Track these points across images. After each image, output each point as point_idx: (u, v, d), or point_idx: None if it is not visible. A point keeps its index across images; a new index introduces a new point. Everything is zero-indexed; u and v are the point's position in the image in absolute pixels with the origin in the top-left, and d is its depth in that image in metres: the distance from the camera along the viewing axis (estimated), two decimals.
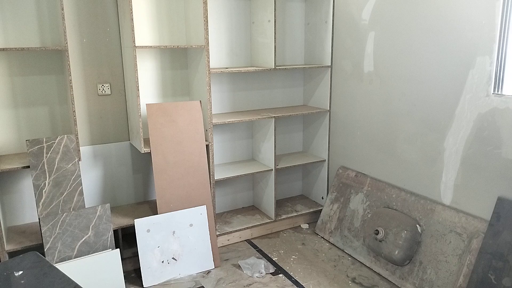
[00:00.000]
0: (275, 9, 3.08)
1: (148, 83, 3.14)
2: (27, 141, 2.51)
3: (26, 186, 2.87)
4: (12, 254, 2.64)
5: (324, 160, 3.66)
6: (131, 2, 2.63)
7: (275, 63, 3.17)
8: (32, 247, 2.62)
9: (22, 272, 1.42)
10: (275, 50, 3.14)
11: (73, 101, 2.60)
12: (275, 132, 3.30)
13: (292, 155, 3.82)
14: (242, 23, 3.40)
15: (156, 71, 3.16)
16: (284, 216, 3.55)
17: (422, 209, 2.72)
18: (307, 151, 3.90)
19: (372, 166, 3.20)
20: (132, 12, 2.64)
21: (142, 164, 3.26)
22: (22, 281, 1.37)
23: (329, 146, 3.63)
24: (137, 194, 3.29)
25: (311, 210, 3.69)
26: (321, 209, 3.65)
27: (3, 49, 2.39)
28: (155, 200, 3.28)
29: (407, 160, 2.89)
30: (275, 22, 3.10)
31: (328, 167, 3.67)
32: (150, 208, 3.16)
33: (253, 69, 3.16)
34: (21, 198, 2.88)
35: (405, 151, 2.90)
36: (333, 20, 3.35)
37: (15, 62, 2.70)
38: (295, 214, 3.60)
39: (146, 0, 3.00)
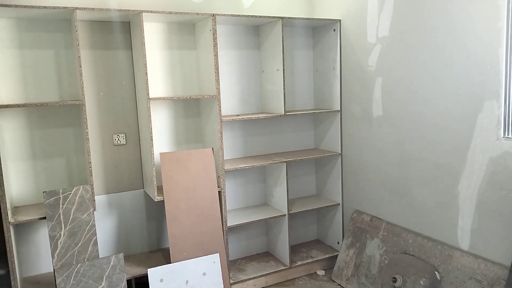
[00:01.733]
0: (283, 59, 3.18)
1: (162, 132, 3.22)
2: (44, 193, 2.58)
3: (42, 236, 2.91)
4: None
5: (338, 204, 3.63)
6: (146, 57, 2.76)
7: (285, 110, 3.23)
8: None
9: None
10: (284, 97, 3.22)
11: (89, 152, 2.68)
12: (287, 177, 3.31)
13: (305, 198, 3.80)
14: (252, 72, 3.51)
15: (170, 120, 3.25)
16: (299, 263, 3.48)
17: (440, 255, 2.65)
18: (321, 195, 3.88)
19: (387, 210, 3.15)
20: (146, 67, 2.76)
21: (156, 211, 3.28)
22: None
23: (342, 190, 3.61)
24: (150, 242, 3.29)
25: (327, 255, 3.61)
26: (337, 254, 3.57)
27: (24, 105, 2.52)
28: (169, 247, 3.27)
29: (422, 204, 2.85)
30: (283, 71, 3.19)
31: (342, 211, 3.63)
32: (164, 256, 3.15)
33: (263, 115, 3.23)
34: (37, 249, 2.91)
35: (419, 194, 2.86)
36: (340, 66, 3.44)
37: (35, 116, 2.83)
38: (311, 260, 3.53)
39: (160, 53, 3.15)
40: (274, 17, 3.15)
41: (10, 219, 2.54)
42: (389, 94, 3.02)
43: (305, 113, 3.40)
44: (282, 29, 3.15)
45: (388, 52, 2.98)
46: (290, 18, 3.22)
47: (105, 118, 3.06)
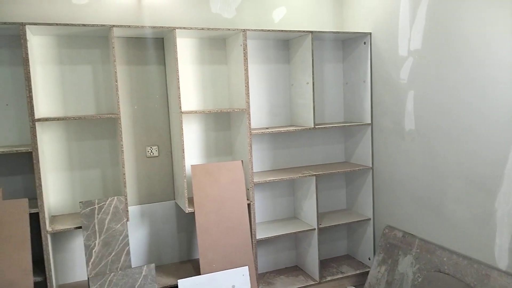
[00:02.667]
0: (313, 72, 3.19)
1: (193, 144, 3.28)
2: (80, 203, 2.68)
3: (77, 245, 3.01)
4: None
5: (370, 219, 3.56)
6: (178, 72, 2.84)
7: (314, 122, 3.23)
8: None
9: None
10: (314, 110, 3.22)
11: (124, 164, 2.77)
12: (316, 190, 3.29)
13: (335, 213, 3.75)
14: (281, 86, 3.54)
15: (201, 133, 3.31)
16: (329, 278, 3.43)
17: (476, 274, 2.55)
18: (351, 209, 3.82)
19: (420, 226, 3.07)
20: (179, 81, 2.84)
21: (186, 223, 3.33)
22: None
23: (374, 204, 3.55)
24: (181, 253, 3.33)
25: (358, 271, 3.54)
26: (368, 270, 3.50)
27: (63, 118, 2.63)
28: (198, 259, 3.30)
29: (457, 220, 2.75)
30: (313, 84, 3.20)
31: (374, 226, 3.56)
32: (193, 267, 3.18)
33: (293, 128, 3.24)
34: (72, 257, 3.01)
35: (454, 211, 2.77)
36: (371, 79, 3.41)
37: (73, 128, 2.95)
38: (341, 276, 3.47)
39: (192, 68, 3.23)
40: (304, 31, 3.17)
41: (48, 228, 2.64)
42: (422, 107, 2.96)
43: (335, 126, 3.39)
44: (312, 43, 3.17)
45: (421, 65, 2.93)
46: (320, 32, 3.24)
47: (139, 130, 3.15)
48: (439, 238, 2.90)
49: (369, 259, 3.62)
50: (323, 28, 3.66)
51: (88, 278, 2.61)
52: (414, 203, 3.12)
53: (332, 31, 3.31)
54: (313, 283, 3.37)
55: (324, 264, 3.69)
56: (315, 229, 3.34)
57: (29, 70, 2.48)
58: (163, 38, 3.14)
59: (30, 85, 2.49)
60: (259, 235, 3.20)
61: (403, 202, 3.22)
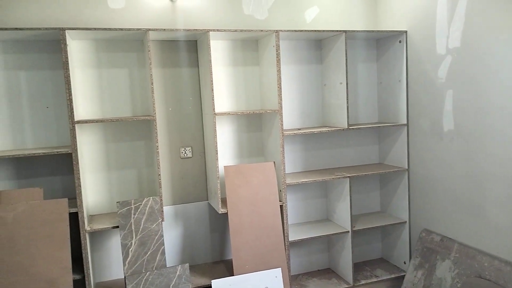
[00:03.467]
0: (346, 72, 3.14)
1: (225, 145, 3.30)
2: (118, 203, 2.74)
3: (113, 244, 3.08)
4: None
5: (405, 222, 3.47)
6: (212, 74, 2.86)
7: (348, 123, 3.18)
8: None
9: None
10: (347, 110, 3.17)
11: (159, 165, 2.81)
12: (350, 192, 3.23)
13: (369, 215, 3.68)
14: (314, 86, 3.50)
15: (233, 134, 3.32)
16: (363, 282, 3.36)
17: None
18: (386, 212, 3.74)
19: (459, 230, 2.96)
20: (212, 83, 2.86)
21: (219, 223, 3.35)
22: None
23: (409, 207, 3.45)
24: (214, 253, 3.36)
25: (393, 275, 3.46)
26: (404, 275, 3.41)
27: (101, 120, 2.70)
28: (231, 259, 3.31)
29: (499, 224, 2.64)
30: (347, 84, 3.15)
31: (409, 230, 3.47)
32: (226, 268, 3.20)
33: (326, 129, 3.20)
34: (109, 256, 3.08)
35: (496, 215, 2.66)
36: (407, 79, 3.33)
37: (110, 130, 3.02)
38: (375, 280, 3.40)
39: (224, 69, 3.25)
40: (337, 30, 3.13)
41: (86, 227, 2.72)
42: (461, 107, 2.86)
43: (369, 127, 3.32)
44: (345, 42, 3.12)
45: (460, 63, 2.83)
46: (354, 31, 3.18)
47: (173, 132, 3.19)
48: (480, 243, 2.79)
49: (405, 263, 3.53)
50: (355, 27, 3.59)
51: (124, 276, 2.66)
52: (452, 206, 3.01)
53: (366, 30, 3.25)
54: (347, 286, 3.31)
55: (358, 267, 3.63)
56: (348, 231, 3.29)
57: (69, 74, 2.56)
58: (196, 40, 3.17)
59: (70, 88, 2.57)
60: (292, 237, 3.18)
61: (441, 205, 3.12)
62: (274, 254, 3.00)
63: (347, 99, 3.16)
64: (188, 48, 3.18)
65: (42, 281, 2.51)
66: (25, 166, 2.85)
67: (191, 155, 3.26)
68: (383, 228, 3.76)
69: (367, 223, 3.43)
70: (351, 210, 3.26)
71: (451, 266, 2.92)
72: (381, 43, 3.59)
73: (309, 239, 3.21)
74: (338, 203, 3.42)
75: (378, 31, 3.27)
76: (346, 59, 3.14)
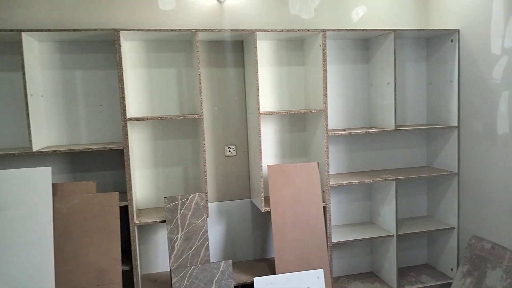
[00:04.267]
0: (395, 72, 3.07)
1: (268, 145, 3.32)
2: (165, 198, 2.83)
3: (159, 238, 3.18)
4: None
5: (453, 228, 3.34)
6: (258, 74, 2.88)
7: (395, 124, 3.11)
8: None
9: None
10: (395, 111, 3.10)
11: (205, 162, 2.87)
12: (396, 195, 3.16)
13: (415, 220, 3.57)
14: (360, 86, 3.45)
15: (276, 133, 3.34)
16: (407, 287, 3.28)
17: None
18: (433, 217, 3.62)
19: None
20: (258, 83, 2.89)
21: (261, 221, 3.37)
22: None
23: (458, 213, 3.32)
24: (255, 251, 3.39)
25: (439, 282, 3.35)
26: (450, 282, 3.29)
27: (152, 118, 2.80)
28: (272, 258, 3.33)
29: None
30: (395, 84, 3.08)
31: (458, 236, 3.34)
32: (268, 266, 3.22)
33: (372, 130, 3.14)
34: (155, 249, 3.19)
35: None
36: (459, 79, 3.20)
37: (158, 128, 3.12)
38: (420, 286, 3.30)
39: (269, 69, 3.26)
40: (386, 29, 3.07)
41: (135, 220, 2.82)
42: None
43: (418, 129, 3.23)
44: (394, 42, 3.05)
45: None
46: (404, 30, 3.11)
47: (218, 130, 3.25)
48: None
49: (452, 270, 3.40)
50: (404, 26, 3.50)
51: (170, 269, 2.74)
52: (505, 213, 2.87)
53: (416, 29, 3.16)
54: None
55: (402, 272, 3.53)
56: (393, 235, 3.21)
57: (122, 73, 2.67)
58: (242, 40, 3.21)
59: (123, 87, 2.68)
60: (335, 239, 3.15)
61: (493, 211, 2.98)
62: (317, 255, 2.98)
63: (395, 100, 3.09)
64: (234, 48, 3.22)
65: (94, 271, 2.63)
66: (79, 161, 3.00)
67: (235, 154, 3.30)
68: (429, 233, 3.63)
69: (413, 228, 3.34)
70: (396, 214, 3.18)
71: (502, 275, 2.79)
72: (431, 42, 3.47)
73: (352, 241, 3.17)
74: (383, 206, 3.35)
75: (429, 30, 3.17)
76: (395, 59, 3.06)
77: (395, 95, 3.09)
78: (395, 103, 3.09)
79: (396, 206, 3.17)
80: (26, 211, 2.56)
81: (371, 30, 3.05)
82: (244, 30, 2.87)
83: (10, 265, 2.49)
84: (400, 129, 3.15)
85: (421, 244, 3.70)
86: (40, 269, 2.52)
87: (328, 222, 3.08)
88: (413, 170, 3.48)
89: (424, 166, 3.62)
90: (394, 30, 3.06)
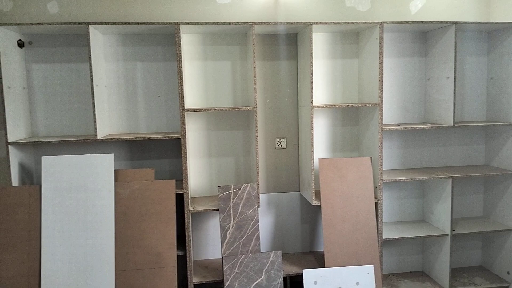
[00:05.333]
0: (455, 66, 2.96)
1: (319, 138, 3.31)
2: (219, 187, 2.90)
3: (211, 225, 3.28)
4: (196, 286, 2.99)
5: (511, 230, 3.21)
6: (312, 67, 2.88)
7: (454, 120, 3.01)
8: (213, 282, 2.94)
9: None
10: (454, 107, 2.99)
11: (257, 154, 2.92)
12: (452, 194, 3.06)
13: (470, 220, 3.45)
14: (416, 80, 3.36)
15: (328, 127, 3.32)
16: None
17: None
18: (489, 217, 3.48)
19: None
20: (312, 76, 2.89)
21: (310, 215, 3.38)
22: None
23: None
24: (303, 244, 3.41)
25: (494, 285, 3.22)
26: (507, 286, 3.16)
27: (208, 109, 2.88)
28: (321, 251, 3.34)
29: None
30: (455, 79, 2.97)
31: None
32: (316, 259, 3.23)
33: (428, 126, 3.06)
34: (205, 236, 3.29)
35: None
36: None
37: (212, 119, 3.20)
38: None
39: (322, 62, 3.25)
40: (447, 22, 2.96)
41: (190, 207, 2.92)
42: None
43: (477, 125, 3.10)
44: (455, 35, 2.94)
45: None
46: (465, 22, 2.99)
47: (270, 123, 3.28)
48: None
49: (508, 273, 3.26)
50: (463, 19, 3.36)
51: (222, 257, 2.82)
52: None
53: (479, 22, 3.03)
54: None
55: (454, 273, 3.43)
56: (447, 235, 3.12)
57: (181, 65, 2.76)
58: (296, 33, 3.21)
59: (182, 78, 2.77)
60: (386, 235, 3.11)
61: None
62: (367, 250, 2.96)
63: (454, 95, 2.98)
64: (288, 41, 3.23)
65: (151, 254, 2.76)
66: (137, 149, 3.14)
67: (285, 146, 3.33)
68: (485, 235, 3.50)
69: (468, 228, 3.23)
70: (451, 213, 3.08)
71: None
72: (494, 35, 3.31)
73: (403, 239, 3.12)
74: (437, 205, 3.26)
75: (492, 22, 3.03)
76: (455, 53, 2.96)
77: (454, 90, 2.98)
78: (454, 98, 2.99)
79: (452, 205, 3.08)
80: (90, 195, 2.72)
81: (432, 22, 2.96)
82: (300, 22, 2.87)
83: (74, 245, 2.67)
84: (458, 126, 3.05)
85: (475, 245, 3.57)
86: (101, 249, 2.68)
87: (379, 218, 3.04)
88: (470, 168, 3.35)
89: (482, 165, 3.47)
90: (455, 23, 2.95)
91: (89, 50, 2.68)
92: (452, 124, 3.02)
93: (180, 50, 2.75)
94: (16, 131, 2.79)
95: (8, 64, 2.73)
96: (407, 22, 2.94)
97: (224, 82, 3.18)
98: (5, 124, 2.68)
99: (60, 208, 2.68)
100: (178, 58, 2.76)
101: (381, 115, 2.96)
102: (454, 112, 2.99)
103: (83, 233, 2.68)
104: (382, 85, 2.95)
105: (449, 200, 3.08)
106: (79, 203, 2.71)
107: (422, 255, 3.51)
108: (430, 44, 3.26)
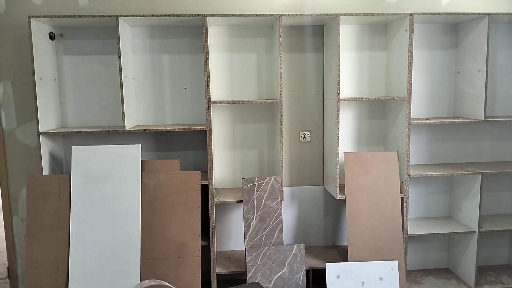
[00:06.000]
0: (487, 59, 2.87)
1: (344, 132, 3.28)
2: (243, 179, 2.92)
3: (234, 217, 3.30)
4: (219, 277, 3.03)
5: None
6: (339, 59, 2.84)
7: (485, 115, 2.92)
8: (236, 273, 2.97)
9: None
10: (485, 101, 2.91)
11: (282, 147, 2.91)
12: (481, 190, 2.99)
13: (498, 217, 3.36)
14: (445, 73, 3.28)
15: (353, 121, 3.28)
16: (486, 287, 3.11)
17: None
18: None
19: None
20: (339, 68, 2.85)
21: (334, 209, 3.37)
22: None
23: None
24: (326, 238, 3.40)
25: None
26: None
27: (233, 102, 2.89)
28: (343, 246, 3.33)
29: None
30: (486, 72, 2.89)
31: None
32: (339, 253, 3.22)
33: (458, 120, 2.98)
34: (228, 228, 3.32)
35: None
36: None
37: (237, 111, 3.21)
38: (501, 287, 3.12)
39: (349, 54, 3.20)
40: (479, 13, 2.87)
41: (214, 198, 2.95)
42: None
43: (509, 120, 3.01)
44: (488, 27, 2.85)
45: None
46: (499, 14, 2.88)
47: (294, 116, 3.27)
48: None
49: None
50: (495, 10, 3.24)
51: (245, 248, 2.85)
52: None
53: None
54: None
55: (481, 271, 3.36)
56: (475, 232, 3.06)
57: (208, 58, 2.77)
58: (323, 25, 3.17)
59: (208, 71, 2.78)
60: (411, 231, 3.06)
61: None
62: (391, 246, 2.93)
63: (485, 89, 2.90)
64: (314, 33, 3.20)
65: (175, 244, 2.80)
66: (163, 140, 3.19)
67: (309, 140, 3.31)
68: None
69: (496, 225, 3.15)
70: (480, 210, 3.01)
71: None
72: None
73: (429, 235, 3.07)
74: (464, 201, 3.19)
75: None
76: (488, 45, 2.87)
77: (486, 83, 2.90)
78: (485, 92, 2.90)
79: (480, 201, 3.00)
80: (117, 184, 2.78)
81: (463, 13, 2.87)
82: (328, 14, 2.83)
83: (101, 233, 2.73)
84: (489, 120, 2.96)
85: (503, 243, 3.48)
86: (128, 238, 2.74)
87: (405, 214, 3.00)
88: (500, 164, 3.26)
89: None
90: (488, 14, 2.86)
91: (118, 42, 2.72)
92: (482, 119, 2.93)
93: (207, 42, 2.76)
94: (47, 122, 2.87)
95: (40, 56, 2.80)
96: (438, 14, 2.86)
97: (250, 75, 3.18)
98: (37, 115, 2.75)
99: (89, 197, 2.75)
100: (205, 50, 2.77)
101: (409, 109, 2.91)
102: (485, 106, 2.91)
103: (110, 222, 2.75)
104: (411, 78, 2.89)
105: (477, 196, 3.01)
106: (107, 193, 2.78)
107: (448, 252, 3.45)
108: (461, 36, 3.16)
